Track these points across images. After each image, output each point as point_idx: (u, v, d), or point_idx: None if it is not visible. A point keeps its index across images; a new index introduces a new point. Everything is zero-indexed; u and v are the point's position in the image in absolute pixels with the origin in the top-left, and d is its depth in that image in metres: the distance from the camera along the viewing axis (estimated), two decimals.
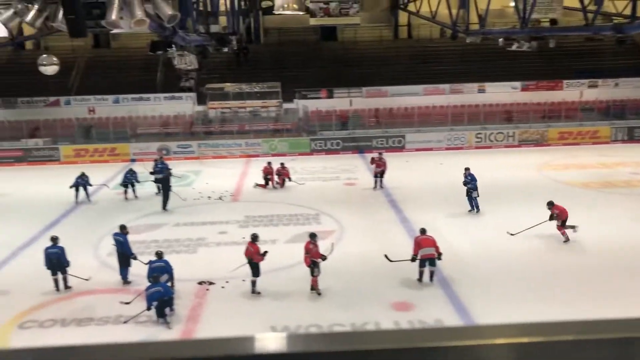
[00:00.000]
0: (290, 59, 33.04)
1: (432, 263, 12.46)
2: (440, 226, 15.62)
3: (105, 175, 22.98)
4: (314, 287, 12.04)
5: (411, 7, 31.17)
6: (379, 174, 20.93)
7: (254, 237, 12.52)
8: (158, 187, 20.35)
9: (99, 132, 28.75)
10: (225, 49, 17.36)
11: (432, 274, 12.53)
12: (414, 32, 36.26)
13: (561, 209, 14.81)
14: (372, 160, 21.17)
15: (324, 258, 12.06)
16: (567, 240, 14.72)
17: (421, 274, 12.50)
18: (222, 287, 12.61)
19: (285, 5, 18.69)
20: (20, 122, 28.59)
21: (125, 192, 20.38)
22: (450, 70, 31.95)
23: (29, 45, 33.32)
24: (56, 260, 12.55)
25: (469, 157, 26.26)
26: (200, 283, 12.84)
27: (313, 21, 31.05)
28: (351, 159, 26.96)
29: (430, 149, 28.24)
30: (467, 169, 18.02)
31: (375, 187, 20.90)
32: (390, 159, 22.29)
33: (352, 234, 15.97)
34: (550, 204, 14.88)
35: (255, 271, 12.20)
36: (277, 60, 33.07)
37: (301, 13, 22.29)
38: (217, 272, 13.29)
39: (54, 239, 12.82)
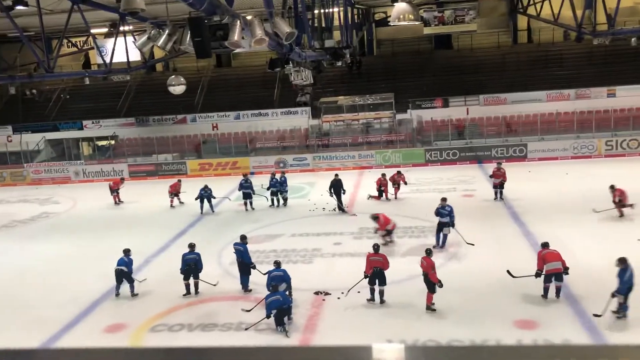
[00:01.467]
0: (403, 69, 32.87)
1: (559, 278, 11.71)
2: (566, 240, 14.62)
3: (227, 188, 24.16)
4: (429, 305, 11.77)
5: (531, 10, 29.77)
6: (499, 185, 20.12)
7: (377, 248, 12.58)
8: (272, 200, 21.35)
9: (222, 147, 30.35)
10: (339, 63, 17.64)
11: (558, 290, 11.77)
12: (534, 36, 34.61)
13: (383, 221, 15.57)
14: (492, 174, 20.48)
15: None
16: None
17: (546, 290, 11.79)
18: (338, 298, 12.69)
19: (401, 17, 18.57)
20: (152, 138, 30.92)
21: (245, 203, 21.29)
22: (575, 74, 30.07)
23: (159, 67, 36.04)
24: (193, 266, 13.41)
25: (599, 166, 24.50)
26: (316, 293, 13.03)
27: (427, 30, 30.70)
28: (469, 169, 26.17)
29: (555, 158, 26.70)
30: (444, 199, 16.04)
31: (495, 199, 20.11)
32: (512, 169, 21.35)
33: (471, 247, 15.43)
34: (374, 218, 16.01)
35: (383, 280, 12.17)
36: (390, 71, 33.05)
37: (417, 23, 22.09)
38: (333, 283, 13.41)
39: (192, 246, 13.72)
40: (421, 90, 30.63)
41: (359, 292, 12.51)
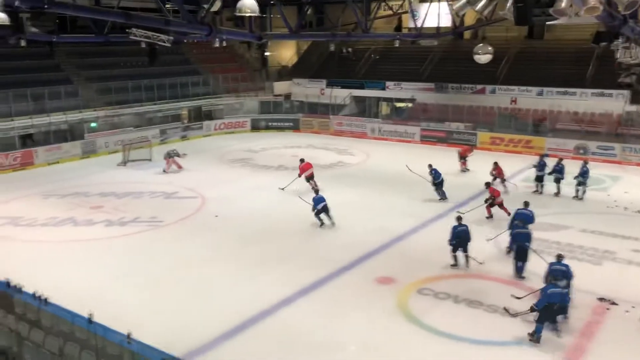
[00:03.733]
0: None
1: None
2: None
3: (515, 166, 22.95)
4: None
5: None
6: None
7: None
8: (557, 188, 19.53)
9: (517, 123, 28.86)
10: None
11: None
12: None
13: None
14: None
15: None
16: None
17: None
18: (626, 312, 11.12)
19: None
20: (447, 105, 31.03)
21: (537, 185, 20.01)
22: None
23: (466, 35, 35.59)
24: (462, 238, 13.29)
25: None
26: (600, 299, 11.64)
27: None
28: None
29: None
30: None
31: None
32: None
33: None
34: None
35: None
36: None
37: None
38: (622, 293, 11.82)
39: (460, 218, 13.55)
40: None
41: None
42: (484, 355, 9.80)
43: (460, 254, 13.40)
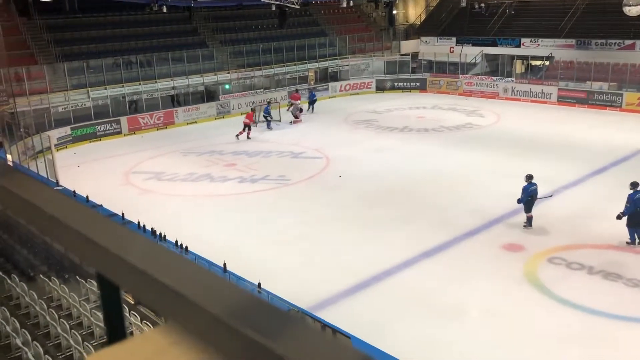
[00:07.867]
0: None
1: None
2: None
3: None
4: None
5: None
6: None
7: None
8: None
9: None
10: None
11: None
12: None
13: None
14: None
15: None
16: None
17: None
18: None
19: None
20: (590, 63, 28.59)
21: None
22: None
23: None
24: (533, 198, 13.11)
25: None
26: None
27: None
28: None
29: None
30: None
31: None
32: None
33: None
34: None
35: None
36: None
37: None
38: None
39: (531, 177, 13.21)
40: None
41: None
42: (620, 331, 9.19)
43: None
